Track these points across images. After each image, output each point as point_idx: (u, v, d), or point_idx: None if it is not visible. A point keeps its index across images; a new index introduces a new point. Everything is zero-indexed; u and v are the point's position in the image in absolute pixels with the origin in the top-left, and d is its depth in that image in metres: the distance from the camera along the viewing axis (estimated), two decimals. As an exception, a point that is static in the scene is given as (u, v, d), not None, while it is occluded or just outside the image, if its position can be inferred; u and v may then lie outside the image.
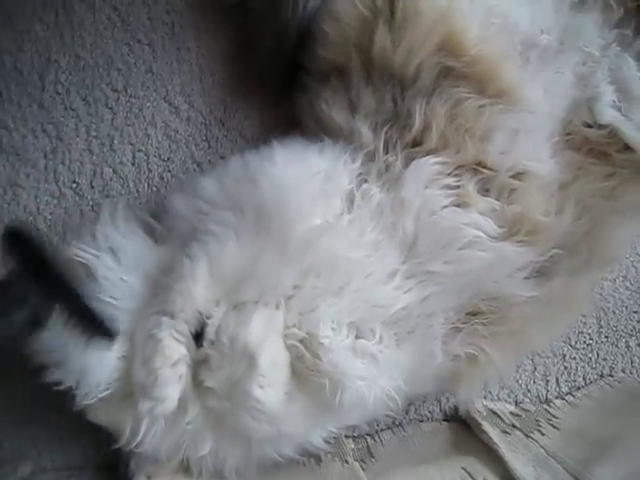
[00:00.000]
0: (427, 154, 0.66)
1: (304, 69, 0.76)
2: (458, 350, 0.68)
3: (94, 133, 0.85)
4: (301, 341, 0.62)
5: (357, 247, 0.64)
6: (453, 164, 0.66)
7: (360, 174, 0.67)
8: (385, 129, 0.67)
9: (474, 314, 0.68)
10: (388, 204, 0.65)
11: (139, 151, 0.85)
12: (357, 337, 0.64)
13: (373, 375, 0.63)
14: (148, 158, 0.85)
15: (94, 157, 0.85)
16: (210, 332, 0.62)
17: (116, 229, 0.68)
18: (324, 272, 0.64)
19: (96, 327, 0.59)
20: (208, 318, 0.63)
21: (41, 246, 0.59)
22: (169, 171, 0.85)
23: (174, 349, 0.61)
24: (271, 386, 0.61)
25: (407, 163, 0.66)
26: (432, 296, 0.65)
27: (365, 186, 0.66)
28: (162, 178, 0.84)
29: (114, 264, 0.65)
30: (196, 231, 0.66)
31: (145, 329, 0.63)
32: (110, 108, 0.86)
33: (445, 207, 0.65)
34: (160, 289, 0.64)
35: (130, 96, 0.86)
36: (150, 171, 0.85)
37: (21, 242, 0.58)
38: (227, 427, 0.64)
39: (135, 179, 0.84)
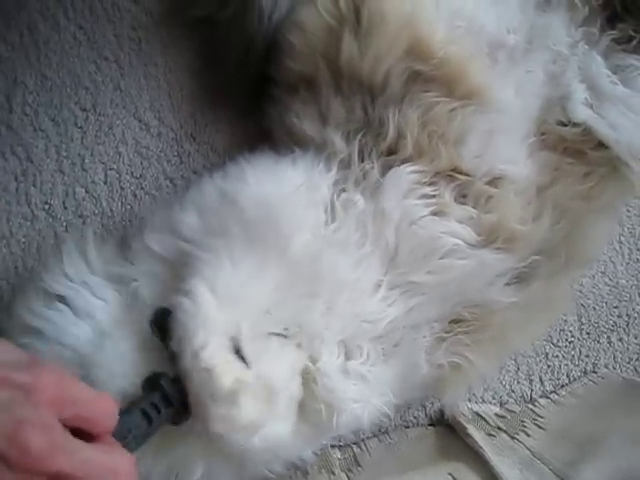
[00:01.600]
0: (403, 162, 0.65)
1: (273, 81, 0.76)
2: (442, 360, 0.67)
3: (64, 153, 0.84)
4: (310, 369, 0.62)
5: (344, 258, 0.63)
6: (429, 172, 0.65)
7: (337, 182, 0.66)
8: (359, 137, 0.67)
9: (457, 322, 0.67)
10: (370, 214, 0.64)
11: (111, 169, 0.84)
12: (346, 357, 0.63)
13: (366, 395, 0.63)
14: (120, 176, 0.84)
15: (65, 177, 0.84)
16: (246, 350, 0.59)
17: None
18: (320, 289, 0.62)
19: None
20: (238, 339, 0.59)
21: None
22: (142, 188, 0.84)
23: (233, 367, 0.58)
24: (283, 421, 0.60)
25: (384, 171, 0.65)
26: (416, 307, 0.64)
27: (345, 195, 0.65)
28: (135, 195, 0.84)
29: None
30: (185, 266, 0.63)
31: (196, 369, 0.57)
32: (79, 127, 0.85)
33: (424, 217, 0.64)
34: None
35: (99, 114, 0.85)
36: (123, 189, 0.84)
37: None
38: (222, 452, 0.62)
39: (108, 198, 0.84)
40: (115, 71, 0.86)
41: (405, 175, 0.65)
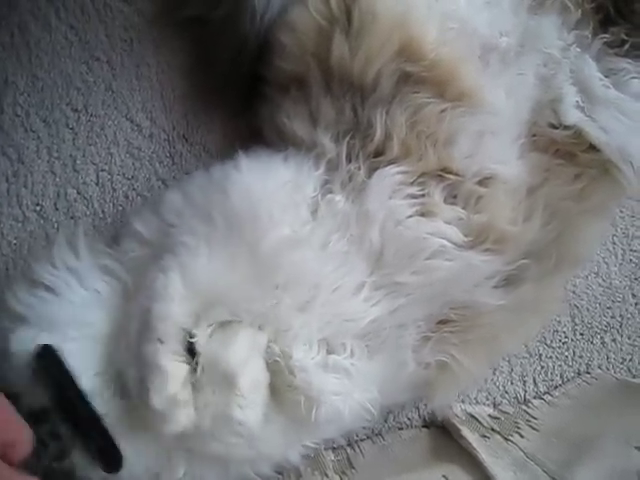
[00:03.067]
0: (389, 163, 0.65)
1: (264, 81, 0.75)
2: (429, 358, 0.67)
3: (56, 154, 0.84)
4: (280, 357, 0.61)
5: (324, 259, 0.63)
6: (416, 172, 0.65)
7: (324, 183, 0.66)
8: (347, 139, 0.66)
9: (444, 322, 0.67)
10: (353, 216, 0.64)
11: (102, 170, 0.84)
12: (328, 352, 0.63)
13: (347, 389, 0.62)
14: (112, 177, 0.84)
15: (57, 179, 0.83)
16: (199, 349, 0.60)
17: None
18: (294, 286, 0.62)
19: (109, 453, 0.58)
20: (192, 336, 0.60)
21: (67, 369, 0.58)
22: (134, 189, 0.83)
23: (179, 369, 0.59)
24: (251, 407, 0.59)
25: (370, 173, 0.65)
26: (401, 307, 0.64)
27: (330, 196, 0.65)
28: (127, 197, 0.83)
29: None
30: (165, 245, 0.64)
31: (143, 361, 0.60)
32: (71, 128, 0.84)
33: (409, 217, 0.64)
34: (136, 309, 0.62)
35: (91, 115, 0.84)
36: (114, 190, 0.83)
37: (51, 363, 0.58)
38: (203, 450, 0.62)
39: (100, 199, 0.83)
40: (107, 72, 0.85)
41: (390, 176, 0.64)
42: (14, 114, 0.84)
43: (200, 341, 0.60)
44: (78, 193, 0.83)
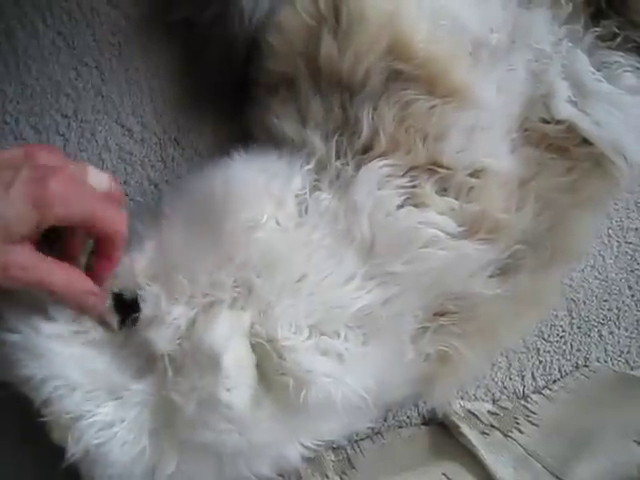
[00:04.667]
0: (377, 158, 0.65)
1: (254, 82, 0.75)
2: (428, 348, 0.67)
3: (47, 161, 0.83)
4: (266, 340, 0.61)
5: (308, 250, 0.63)
6: (405, 166, 0.65)
7: (315, 180, 0.66)
8: (336, 137, 0.66)
9: (441, 314, 0.67)
10: (342, 211, 0.64)
11: (94, 176, 0.83)
12: (322, 335, 0.63)
13: (339, 372, 0.62)
14: (104, 183, 0.83)
15: (49, 185, 0.82)
16: (142, 305, 0.62)
17: None
18: (265, 270, 0.62)
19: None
20: (140, 289, 0.62)
21: None
22: (126, 194, 0.83)
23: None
24: (238, 388, 0.59)
25: (358, 169, 0.65)
26: (395, 297, 0.64)
27: (317, 194, 0.65)
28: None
29: None
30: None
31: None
32: (61, 135, 0.84)
33: (400, 207, 0.64)
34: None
35: (81, 121, 0.84)
36: (107, 196, 0.83)
37: None
38: (194, 442, 0.61)
39: (92, 205, 0.82)
40: (96, 77, 0.84)
41: (378, 168, 0.64)
42: (3, 122, 0.83)
43: (145, 297, 0.62)
44: (70, 199, 0.83)
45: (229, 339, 0.59)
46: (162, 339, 0.61)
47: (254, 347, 0.61)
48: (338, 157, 0.66)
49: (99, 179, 0.59)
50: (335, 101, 0.67)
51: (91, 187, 0.57)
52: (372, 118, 0.65)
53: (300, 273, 0.62)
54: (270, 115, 0.71)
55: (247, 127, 0.77)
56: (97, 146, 0.84)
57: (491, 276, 0.67)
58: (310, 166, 0.66)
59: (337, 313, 0.63)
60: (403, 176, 0.65)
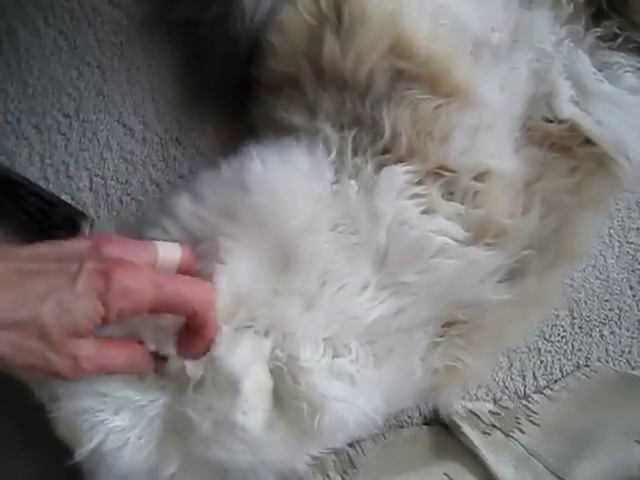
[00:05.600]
0: (397, 161, 0.65)
1: (256, 82, 0.75)
2: (437, 364, 0.67)
3: (48, 161, 0.83)
4: (284, 363, 0.61)
5: (335, 245, 0.63)
6: (420, 172, 0.64)
7: (336, 172, 0.65)
8: (353, 133, 0.66)
9: (451, 324, 0.67)
10: (364, 210, 0.63)
11: (96, 176, 0.83)
12: (334, 356, 0.62)
13: (352, 396, 0.61)
14: (105, 182, 0.83)
15: (50, 185, 0.83)
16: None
17: None
18: (306, 278, 0.62)
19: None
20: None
21: None
22: (128, 194, 0.83)
23: None
24: (254, 411, 0.59)
25: (378, 169, 0.65)
26: (407, 308, 0.64)
27: (338, 186, 0.65)
28: (121, 202, 0.83)
29: None
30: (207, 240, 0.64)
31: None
32: (63, 134, 0.84)
33: (414, 216, 0.63)
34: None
35: (83, 121, 0.84)
36: (108, 195, 0.83)
37: None
38: (206, 455, 0.61)
39: (94, 204, 0.83)
40: (98, 76, 0.85)
41: (399, 175, 0.64)
42: (5, 121, 0.83)
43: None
44: (72, 199, 0.83)
45: (250, 365, 0.59)
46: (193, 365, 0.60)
47: (272, 371, 0.61)
48: (355, 153, 0.66)
49: (170, 253, 0.58)
50: (347, 98, 0.67)
51: (162, 267, 0.57)
52: (392, 120, 0.64)
53: (323, 277, 0.62)
54: (277, 111, 0.71)
55: (251, 124, 0.77)
56: (99, 146, 0.84)
57: (500, 281, 0.67)
58: (332, 155, 0.65)
59: (352, 324, 0.62)
60: (419, 183, 0.64)
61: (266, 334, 0.61)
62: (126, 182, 0.83)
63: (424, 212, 0.64)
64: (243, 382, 0.58)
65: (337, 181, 0.65)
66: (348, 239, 0.63)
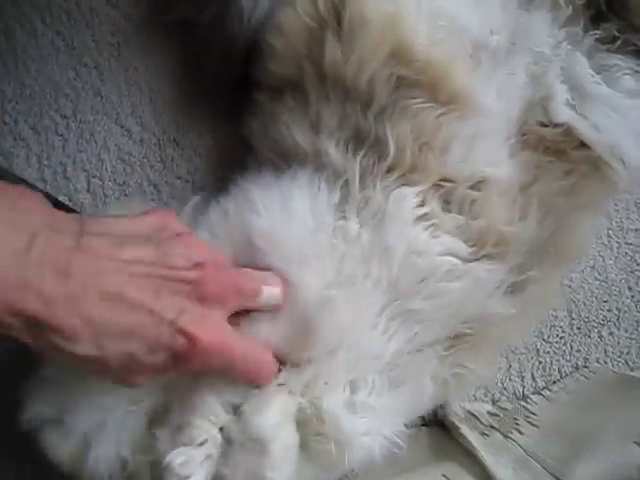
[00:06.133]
0: (402, 181, 0.64)
1: (256, 86, 0.74)
2: (445, 374, 0.67)
3: (46, 162, 0.83)
4: (308, 409, 0.60)
5: (348, 297, 0.61)
6: (424, 191, 0.64)
7: (338, 205, 0.64)
8: (359, 158, 0.64)
9: (457, 338, 0.66)
10: (374, 249, 0.62)
11: (94, 177, 0.83)
12: (352, 392, 0.61)
13: (375, 427, 0.61)
14: (103, 183, 0.83)
15: (48, 186, 0.83)
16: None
17: None
18: (329, 335, 0.61)
19: None
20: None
21: None
22: (125, 195, 0.83)
23: (203, 430, 0.59)
24: (283, 467, 0.58)
25: (386, 195, 0.63)
26: (417, 335, 0.63)
27: (344, 223, 0.63)
28: (119, 203, 0.83)
29: None
30: None
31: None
32: (60, 135, 0.84)
33: (422, 242, 0.63)
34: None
35: (80, 121, 0.84)
36: (106, 196, 0.83)
37: None
38: None
39: (91, 206, 0.83)
40: (95, 77, 0.84)
41: (409, 199, 0.63)
42: (2, 122, 0.83)
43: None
44: (70, 200, 0.83)
45: (279, 426, 0.58)
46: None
47: (297, 422, 0.60)
48: (363, 179, 0.64)
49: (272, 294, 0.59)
50: (348, 109, 0.66)
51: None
52: (396, 135, 0.63)
53: (344, 329, 0.61)
54: (277, 125, 0.69)
55: (248, 138, 0.76)
56: (96, 146, 0.84)
57: (504, 294, 0.66)
58: (336, 195, 0.64)
59: (373, 364, 0.62)
60: (423, 203, 0.63)
61: (292, 392, 0.60)
62: (124, 183, 0.83)
63: (430, 234, 0.63)
64: (272, 444, 0.57)
65: (345, 218, 0.63)
66: (362, 286, 0.62)
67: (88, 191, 0.83)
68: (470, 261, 0.64)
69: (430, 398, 0.67)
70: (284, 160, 0.69)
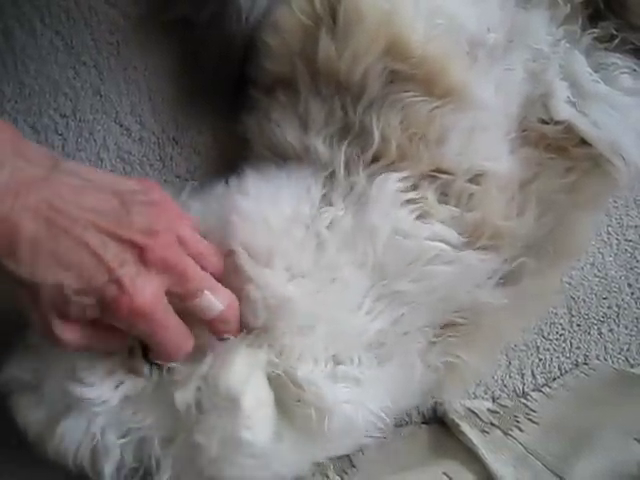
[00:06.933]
0: (387, 169, 0.64)
1: (251, 83, 0.75)
2: (436, 361, 0.67)
3: (45, 161, 0.83)
4: (283, 371, 0.60)
5: (329, 285, 0.62)
6: (413, 176, 0.64)
7: (324, 196, 0.65)
8: (344, 147, 0.65)
9: (448, 326, 0.67)
10: (358, 232, 0.63)
11: (93, 176, 0.83)
12: (336, 364, 0.62)
13: (359, 397, 0.61)
14: (103, 182, 0.83)
15: (48, 185, 0.82)
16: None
17: None
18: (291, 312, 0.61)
19: None
20: None
21: None
22: (125, 194, 0.83)
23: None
24: (258, 426, 0.58)
25: (370, 181, 0.64)
26: (404, 316, 0.64)
27: (328, 210, 0.64)
28: (118, 201, 0.82)
29: None
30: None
31: None
32: (60, 134, 0.84)
33: (409, 224, 0.63)
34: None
35: (79, 120, 0.84)
36: (106, 195, 0.83)
37: None
38: (219, 475, 0.61)
39: (91, 204, 0.82)
40: (94, 76, 0.84)
41: (392, 182, 0.63)
42: (2, 121, 0.83)
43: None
44: (69, 199, 0.82)
45: (247, 379, 0.58)
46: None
47: (271, 380, 0.60)
48: (347, 167, 0.65)
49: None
50: (336, 104, 0.66)
51: None
52: (382, 126, 0.64)
53: (322, 306, 0.62)
54: (270, 123, 0.70)
55: (244, 134, 0.77)
56: (95, 145, 0.84)
57: (496, 285, 0.66)
58: (320, 185, 0.65)
59: (354, 341, 0.62)
60: (412, 188, 0.64)
61: (260, 346, 0.60)
62: (123, 182, 0.83)
63: (418, 218, 0.63)
64: (242, 398, 0.57)
65: (330, 204, 0.64)
66: (343, 270, 0.63)
67: (88, 190, 0.82)
68: (462, 249, 0.64)
69: (420, 381, 0.67)
70: (279, 157, 0.70)
